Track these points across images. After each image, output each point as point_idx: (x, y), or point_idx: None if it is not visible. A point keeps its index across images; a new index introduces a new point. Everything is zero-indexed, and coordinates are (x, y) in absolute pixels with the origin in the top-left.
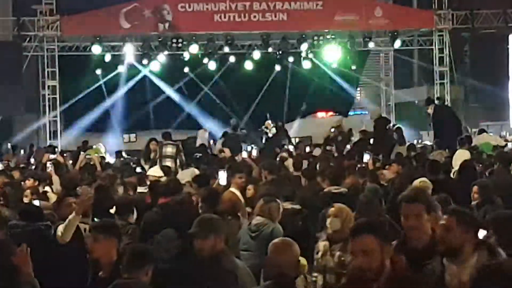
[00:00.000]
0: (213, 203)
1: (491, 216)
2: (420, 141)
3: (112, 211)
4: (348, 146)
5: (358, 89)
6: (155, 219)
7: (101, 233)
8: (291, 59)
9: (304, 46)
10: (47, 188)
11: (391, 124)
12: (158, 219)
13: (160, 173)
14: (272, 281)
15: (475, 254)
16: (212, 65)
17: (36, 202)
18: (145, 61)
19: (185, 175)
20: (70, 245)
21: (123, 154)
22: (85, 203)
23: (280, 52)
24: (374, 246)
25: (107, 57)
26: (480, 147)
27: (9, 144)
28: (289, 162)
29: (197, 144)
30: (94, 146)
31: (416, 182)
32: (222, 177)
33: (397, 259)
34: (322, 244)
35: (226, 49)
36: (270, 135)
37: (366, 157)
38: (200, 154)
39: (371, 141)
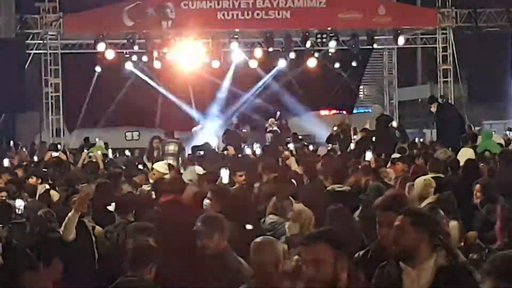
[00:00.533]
0: (223, 200)
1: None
2: (422, 139)
3: (111, 208)
4: (352, 145)
5: (361, 87)
6: (154, 218)
7: None
8: (293, 56)
9: (307, 44)
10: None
11: (393, 122)
12: (157, 218)
13: (166, 169)
14: (253, 280)
15: (433, 256)
16: (215, 64)
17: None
18: (145, 58)
19: (187, 174)
20: (77, 243)
21: (126, 152)
22: (83, 200)
23: (283, 50)
24: (327, 256)
25: (110, 55)
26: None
27: (11, 142)
28: (291, 161)
29: (194, 141)
30: (96, 143)
31: (420, 180)
32: (225, 175)
33: (355, 273)
34: None
35: (231, 47)
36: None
37: (369, 155)
38: (203, 152)
39: (373, 139)
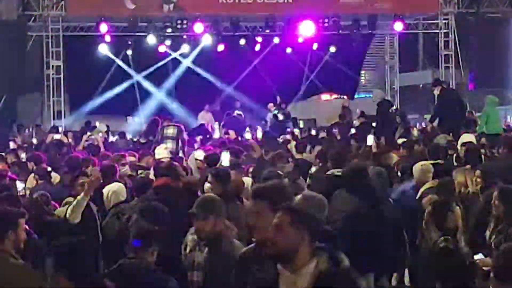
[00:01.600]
0: (223, 183)
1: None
2: (424, 124)
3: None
4: (353, 130)
5: (363, 72)
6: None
7: None
8: (295, 41)
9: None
10: None
11: (394, 108)
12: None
13: (167, 153)
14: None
15: (313, 260)
16: (218, 46)
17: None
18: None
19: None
20: (82, 226)
21: (127, 135)
22: (95, 183)
23: (284, 34)
24: (267, 213)
25: (110, 38)
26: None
27: (15, 126)
28: (292, 145)
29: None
30: (97, 127)
31: (418, 166)
32: (225, 158)
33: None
34: (190, 239)
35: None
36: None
37: (370, 140)
38: (201, 137)
39: (374, 124)
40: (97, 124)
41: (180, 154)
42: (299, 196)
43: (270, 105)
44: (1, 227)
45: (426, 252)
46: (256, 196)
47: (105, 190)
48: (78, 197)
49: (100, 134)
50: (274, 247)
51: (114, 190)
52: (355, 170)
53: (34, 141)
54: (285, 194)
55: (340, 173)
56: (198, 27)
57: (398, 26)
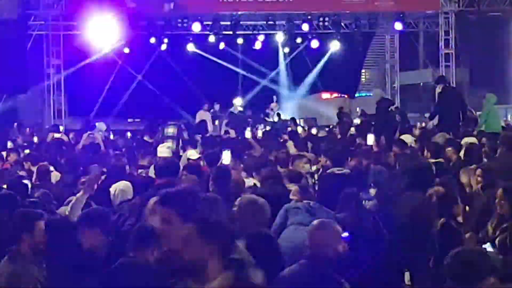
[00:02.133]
0: (223, 182)
1: None
2: (424, 123)
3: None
4: (353, 128)
5: (363, 71)
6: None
7: None
8: (296, 40)
9: (309, 27)
10: None
11: (394, 106)
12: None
13: (169, 153)
14: (307, 260)
15: (223, 276)
16: (219, 45)
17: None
18: (152, 40)
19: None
20: None
21: (128, 133)
22: (93, 181)
23: (285, 33)
24: (173, 220)
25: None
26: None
27: (15, 124)
28: (290, 144)
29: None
30: (96, 125)
31: None
32: (226, 157)
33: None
34: None
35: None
36: (275, 118)
37: (370, 139)
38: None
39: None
40: (97, 123)
41: (181, 153)
42: (240, 200)
43: (273, 104)
44: (16, 229)
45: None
46: (163, 202)
47: (112, 189)
48: (78, 195)
49: (100, 133)
50: (181, 259)
51: (121, 188)
52: (422, 168)
53: (35, 139)
54: (195, 202)
55: (340, 172)
56: (196, 26)
57: (398, 25)
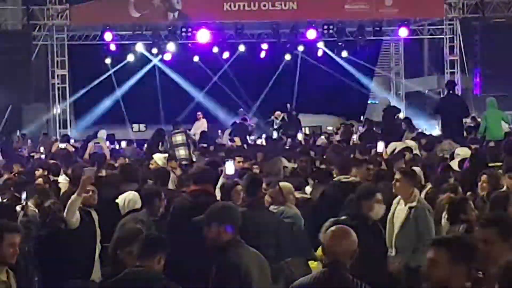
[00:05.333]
0: (255, 190)
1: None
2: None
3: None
4: (355, 137)
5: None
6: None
7: None
8: (301, 48)
9: (313, 35)
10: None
11: (400, 114)
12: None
13: (164, 163)
14: (326, 268)
15: None
16: (223, 54)
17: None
18: (154, 51)
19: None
20: (80, 231)
21: (134, 143)
22: (85, 182)
23: (290, 41)
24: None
25: (115, 47)
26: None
27: (18, 132)
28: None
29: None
30: (98, 134)
31: (417, 169)
32: (229, 167)
33: None
34: None
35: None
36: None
37: (380, 146)
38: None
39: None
40: (100, 131)
41: (194, 159)
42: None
43: (277, 112)
44: None
45: None
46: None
47: (120, 199)
48: (72, 196)
49: (106, 142)
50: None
51: (130, 198)
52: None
53: (42, 149)
54: None
55: (347, 180)
56: (201, 36)
57: (403, 32)
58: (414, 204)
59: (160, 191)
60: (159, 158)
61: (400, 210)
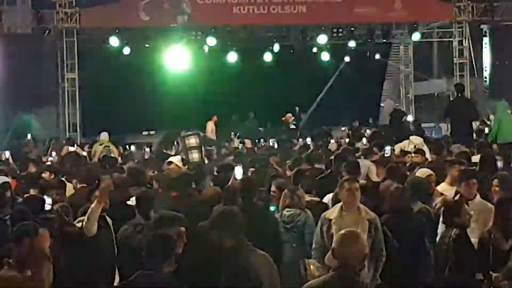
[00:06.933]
0: (250, 194)
1: None
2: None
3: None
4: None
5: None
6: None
7: None
8: (310, 51)
9: (323, 39)
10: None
11: (408, 116)
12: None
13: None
14: (336, 272)
15: None
16: (232, 57)
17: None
18: (164, 54)
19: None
20: (97, 238)
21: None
22: (105, 190)
23: (299, 45)
24: None
25: (126, 50)
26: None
27: (29, 135)
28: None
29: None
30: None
31: (421, 173)
32: (238, 172)
33: None
34: None
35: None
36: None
37: (388, 150)
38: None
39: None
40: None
41: (206, 161)
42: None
43: (288, 115)
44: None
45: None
46: None
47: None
48: (92, 206)
49: (112, 146)
50: None
51: None
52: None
53: (53, 154)
54: None
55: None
56: (211, 41)
57: (416, 36)
58: None
59: (153, 195)
60: (178, 161)
61: None
